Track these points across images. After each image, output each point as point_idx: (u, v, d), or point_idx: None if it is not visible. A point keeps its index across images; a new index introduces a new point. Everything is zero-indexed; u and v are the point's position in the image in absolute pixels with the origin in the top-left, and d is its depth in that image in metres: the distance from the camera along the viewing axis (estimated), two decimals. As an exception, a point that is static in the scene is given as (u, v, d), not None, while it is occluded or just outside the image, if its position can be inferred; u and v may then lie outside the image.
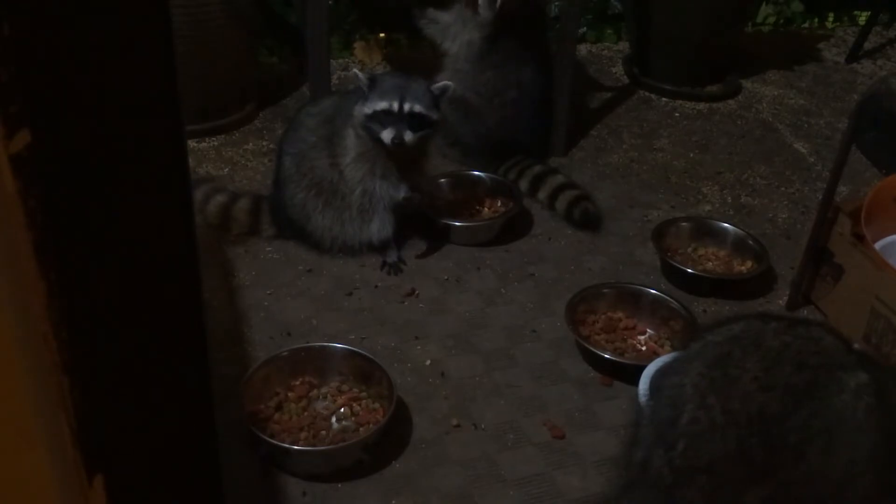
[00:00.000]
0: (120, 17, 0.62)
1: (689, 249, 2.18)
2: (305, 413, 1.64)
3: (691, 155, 2.64)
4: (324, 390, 1.69)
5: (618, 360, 1.78)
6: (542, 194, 2.32)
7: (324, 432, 1.61)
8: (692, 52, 2.91)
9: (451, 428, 1.66)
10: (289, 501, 1.50)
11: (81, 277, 0.66)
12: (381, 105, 1.93)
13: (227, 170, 2.40)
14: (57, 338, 0.65)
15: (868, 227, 1.87)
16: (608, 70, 3.13)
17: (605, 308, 1.95)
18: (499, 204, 2.30)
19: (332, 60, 2.57)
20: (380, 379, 1.66)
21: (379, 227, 2.07)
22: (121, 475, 0.75)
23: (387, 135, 1.93)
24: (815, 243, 1.95)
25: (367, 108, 1.94)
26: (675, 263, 2.07)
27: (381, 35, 3.06)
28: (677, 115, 2.87)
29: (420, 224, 2.18)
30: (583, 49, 3.22)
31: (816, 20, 3.57)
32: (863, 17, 3.50)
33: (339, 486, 1.54)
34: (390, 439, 1.61)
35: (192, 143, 2.44)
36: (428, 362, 1.82)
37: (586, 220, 2.25)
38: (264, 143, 2.53)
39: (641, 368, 1.65)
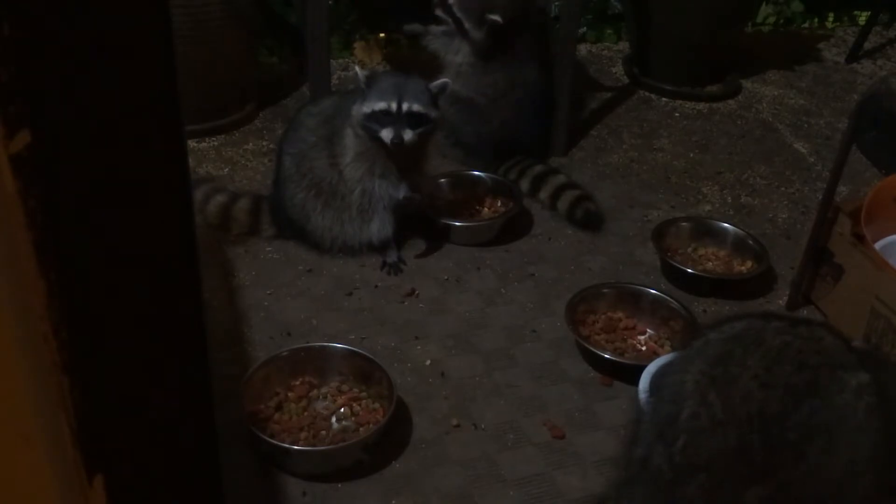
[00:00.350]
0: (120, 17, 0.62)
1: (689, 249, 2.18)
2: (305, 413, 1.64)
3: (691, 155, 2.64)
4: (324, 390, 1.69)
5: (618, 360, 1.78)
6: (544, 194, 2.32)
7: (324, 432, 1.61)
8: (692, 52, 2.91)
9: (451, 428, 1.66)
10: (289, 501, 1.50)
11: (81, 277, 0.66)
12: (380, 105, 1.93)
13: (227, 170, 2.41)
14: (57, 338, 0.65)
15: (868, 227, 1.87)
16: (608, 70, 3.13)
17: (605, 308, 1.95)
18: (499, 204, 2.30)
19: (332, 60, 2.56)
20: (380, 379, 1.66)
21: (379, 227, 2.07)
22: (121, 475, 0.75)
23: (386, 134, 1.93)
24: (815, 243, 1.95)
25: (366, 108, 1.94)
26: (675, 263, 2.06)
27: (381, 35, 3.06)
28: (677, 115, 2.87)
29: (420, 224, 2.18)
30: (583, 49, 3.22)
31: (816, 20, 3.56)
32: (863, 17, 3.49)
33: (339, 486, 1.54)
34: (390, 439, 1.61)
35: (192, 143, 2.44)
36: (428, 362, 1.82)
37: (588, 220, 2.25)
38: (264, 143, 2.53)
39: (641, 368, 1.65)
